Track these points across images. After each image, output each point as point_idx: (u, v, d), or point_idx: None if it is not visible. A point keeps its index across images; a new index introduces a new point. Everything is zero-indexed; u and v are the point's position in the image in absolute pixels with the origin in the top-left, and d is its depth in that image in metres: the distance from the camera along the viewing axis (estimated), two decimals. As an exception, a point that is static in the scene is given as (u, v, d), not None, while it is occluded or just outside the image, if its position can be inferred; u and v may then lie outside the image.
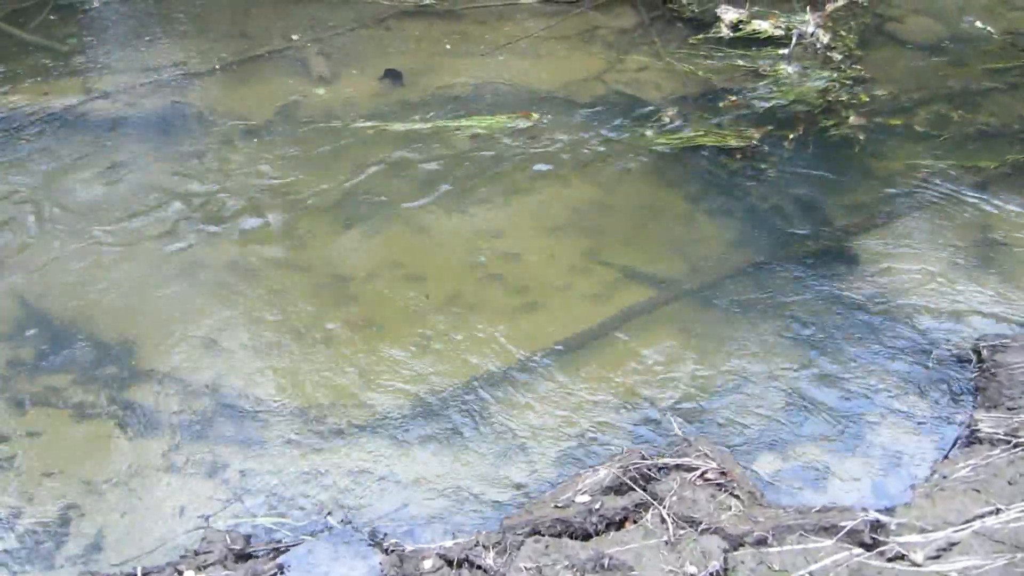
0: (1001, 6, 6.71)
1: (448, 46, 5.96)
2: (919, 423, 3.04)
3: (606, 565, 2.17)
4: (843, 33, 6.20)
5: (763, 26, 6.31)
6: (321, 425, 3.09)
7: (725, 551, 2.22)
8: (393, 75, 5.51)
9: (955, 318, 3.56)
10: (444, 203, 4.33)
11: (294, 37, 6.02)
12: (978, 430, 2.73)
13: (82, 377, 3.32)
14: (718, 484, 2.47)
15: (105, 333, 3.53)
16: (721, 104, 4.59)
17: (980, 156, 4.77)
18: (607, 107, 5.23)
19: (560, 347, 3.45)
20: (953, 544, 2.18)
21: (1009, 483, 2.40)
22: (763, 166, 4.68)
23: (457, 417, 3.12)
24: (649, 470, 2.54)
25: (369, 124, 4.96)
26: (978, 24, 6.38)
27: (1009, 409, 2.79)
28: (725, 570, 2.16)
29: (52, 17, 6.22)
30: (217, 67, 5.61)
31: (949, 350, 3.37)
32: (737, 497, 2.43)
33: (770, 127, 5.01)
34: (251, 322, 3.58)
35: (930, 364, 3.31)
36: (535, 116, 5.06)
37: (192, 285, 3.78)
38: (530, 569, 2.15)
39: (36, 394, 3.25)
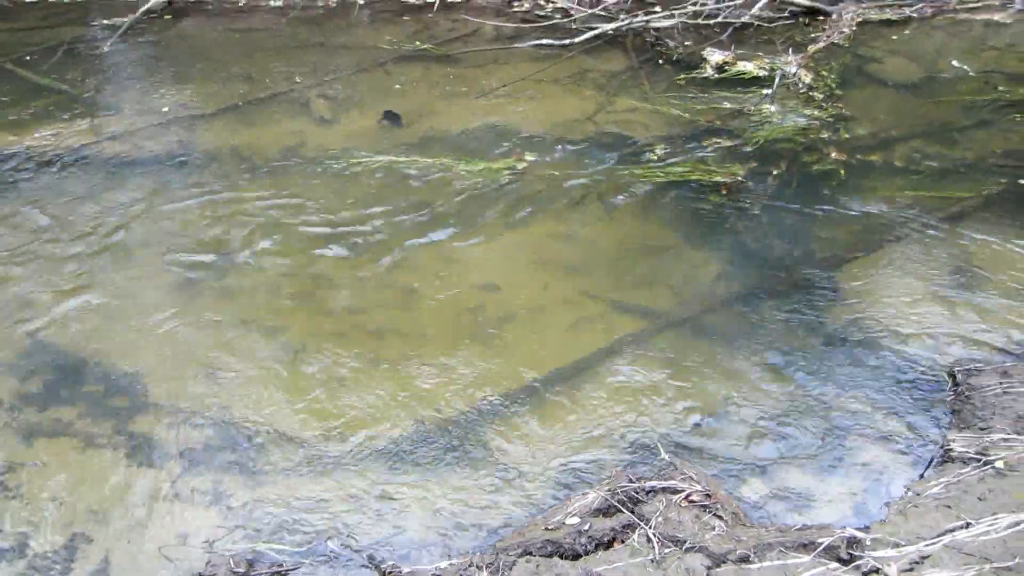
0: (976, 46, 6.95)
1: (445, 89, 6.16)
2: (897, 445, 3.15)
3: (594, 581, 2.28)
4: (824, 73, 6.42)
5: (748, 67, 6.54)
6: (319, 454, 3.19)
7: (708, 568, 2.32)
8: (392, 116, 5.70)
9: (931, 344, 3.69)
10: (441, 238, 4.47)
11: (297, 80, 6.23)
12: (951, 450, 2.84)
13: (88, 409, 3.43)
14: (702, 506, 2.58)
15: (111, 366, 3.65)
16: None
17: (956, 189, 4.93)
18: (598, 146, 5.40)
19: (551, 377, 3.57)
20: (925, 557, 2.28)
21: (979, 499, 2.52)
22: (748, 201, 4.84)
23: (452, 446, 3.23)
24: (636, 493, 2.64)
25: (369, 163, 5.13)
26: (954, 63, 6.61)
27: (981, 429, 2.91)
28: (708, 585, 2.26)
29: (63, 61, 6.45)
30: (223, 108, 5.81)
31: (926, 375, 3.49)
32: (721, 518, 2.53)
33: (754, 163, 5.18)
34: (252, 354, 3.69)
35: (908, 388, 3.43)
36: (528, 158, 5.24)
37: (195, 318, 3.90)
38: (522, 586, 2.25)
39: (43, 426, 3.36)
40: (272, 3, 7.69)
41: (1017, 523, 2.34)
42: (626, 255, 4.39)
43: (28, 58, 6.49)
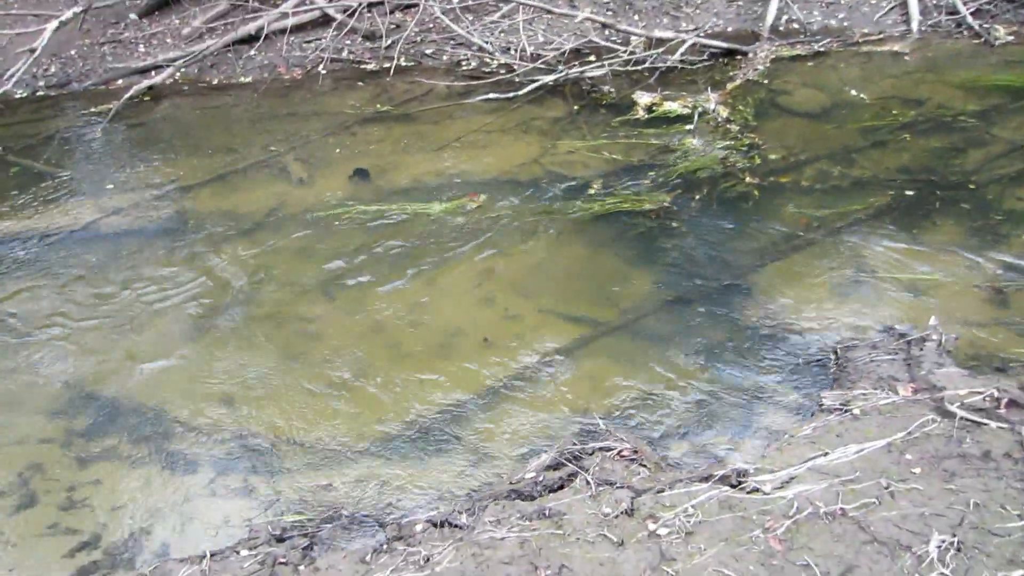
0: (874, 76, 7.88)
1: (405, 145, 6.95)
2: (790, 407, 3.92)
3: (546, 513, 2.98)
4: (741, 108, 7.30)
5: (673, 107, 7.42)
6: (325, 453, 3.89)
7: (632, 498, 3.04)
8: (361, 173, 6.46)
9: (824, 330, 4.48)
10: (410, 273, 5.19)
11: (272, 148, 6.98)
12: (823, 404, 3.62)
13: (128, 437, 4.10)
14: (631, 459, 3.31)
15: (142, 401, 4.31)
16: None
17: (853, 203, 5.74)
18: (543, 185, 6.19)
19: (511, 378, 4.29)
20: (792, 478, 3.03)
21: (837, 436, 3.28)
22: (674, 223, 5.63)
23: (433, 439, 3.94)
24: (579, 452, 3.38)
25: (343, 215, 5.87)
26: (852, 92, 7.53)
27: (847, 388, 3.70)
28: (632, 509, 2.98)
29: (59, 148, 7.15)
30: (210, 178, 6.53)
31: (817, 354, 4.29)
32: (645, 466, 3.27)
33: (679, 191, 5.99)
34: (259, 382, 4.38)
35: (802, 365, 4.22)
36: (482, 197, 6.02)
37: (206, 356, 4.59)
38: (492, 521, 2.95)
39: (93, 453, 4.01)
40: (242, 79, 8.47)
41: (861, 450, 3.11)
42: (571, 275, 5.15)
43: (28, 148, 7.16)
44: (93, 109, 7.86)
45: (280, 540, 3.19)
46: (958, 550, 2.65)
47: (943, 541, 2.67)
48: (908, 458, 3.10)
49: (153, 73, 8.41)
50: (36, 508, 3.66)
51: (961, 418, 3.29)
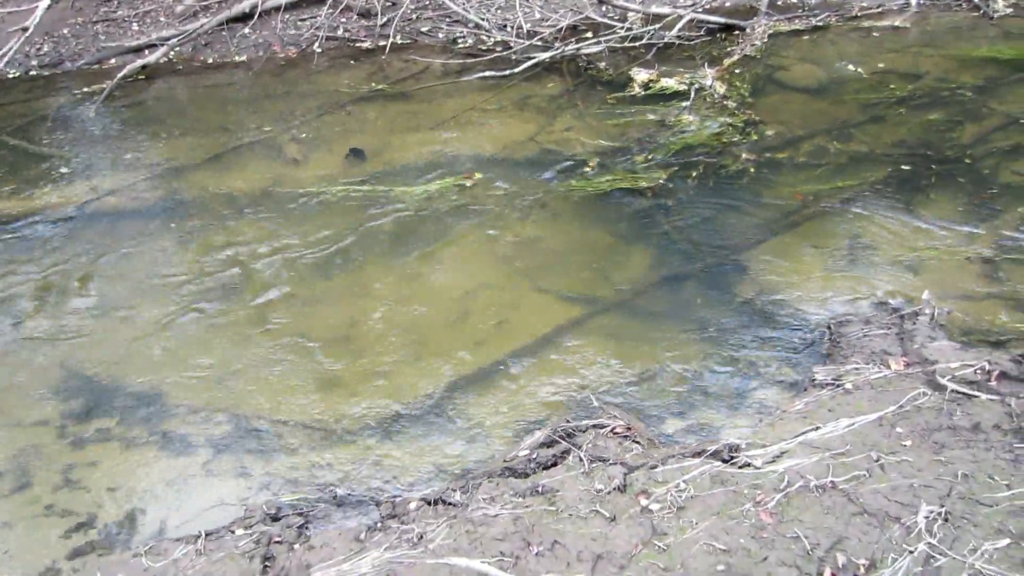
0: (872, 51, 7.83)
1: (401, 123, 6.92)
2: (784, 383, 3.94)
3: (539, 490, 3.01)
4: (737, 83, 7.26)
5: (670, 83, 7.38)
6: (321, 433, 3.90)
7: (625, 474, 3.06)
8: (356, 152, 6.44)
9: (818, 305, 4.48)
10: (408, 252, 5.20)
11: (267, 128, 6.94)
12: (815, 379, 3.64)
13: (123, 418, 4.11)
14: (624, 436, 3.33)
15: (138, 384, 4.33)
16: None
17: (849, 178, 5.73)
18: (540, 163, 6.17)
19: (508, 357, 4.30)
20: (784, 452, 3.05)
21: (829, 410, 3.30)
22: (670, 201, 5.62)
23: (430, 418, 3.96)
24: (572, 430, 3.40)
25: (339, 195, 5.86)
26: (850, 67, 7.48)
27: (839, 363, 3.71)
28: (624, 485, 3.00)
29: (53, 129, 7.11)
30: (206, 159, 6.51)
31: (811, 329, 4.29)
32: (638, 443, 3.29)
33: (675, 168, 5.98)
34: (255, 363, 4.39)
35: (797, 341, 4.23)
36: (477, 176, 6.00)
37: (200, 337, 4.59)
38: (486, 498, 2.98)
39: (89, 435, 4.03)
40: (237, 58, 8.41)
41: (852, 424, 3.13)
42: (568, 254, 5.14)
43: (21, 129, 7.12)
44: (86, 89, 7.81)
45: (275, 519, 3.21)
46: (946, 520, 2.67)
47: (931, 512, 2.69)
48: (899, 431, 3.12)
49: (147, 52, 8.35)
50: (32, 489, 3.68)
51: (952, 391, 3.30)
